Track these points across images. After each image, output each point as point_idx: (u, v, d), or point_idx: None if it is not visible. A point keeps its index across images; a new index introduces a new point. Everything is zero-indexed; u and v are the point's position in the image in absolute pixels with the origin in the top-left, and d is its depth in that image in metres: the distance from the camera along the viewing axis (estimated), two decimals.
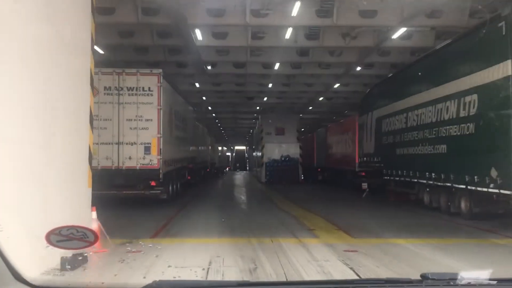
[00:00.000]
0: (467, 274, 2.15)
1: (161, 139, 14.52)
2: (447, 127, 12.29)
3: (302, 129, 37.90)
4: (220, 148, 57.85)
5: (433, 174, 13.19)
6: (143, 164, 14.40)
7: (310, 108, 34.44)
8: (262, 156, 34.83)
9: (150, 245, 8.60)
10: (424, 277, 2.21)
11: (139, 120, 14.42)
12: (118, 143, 14.38)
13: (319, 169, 34.71)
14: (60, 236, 2.45)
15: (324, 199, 21.20)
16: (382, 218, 13.65)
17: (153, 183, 14.58)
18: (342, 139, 25.78)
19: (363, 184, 22.36)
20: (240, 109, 35.19)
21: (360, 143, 21.68)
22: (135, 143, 14.40)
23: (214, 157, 47.78)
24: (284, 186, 30.34)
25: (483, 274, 2.17)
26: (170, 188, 16.80)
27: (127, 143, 14.39)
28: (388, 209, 16.22)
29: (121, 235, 9.19)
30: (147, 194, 14.72)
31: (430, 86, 13.66)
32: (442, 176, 12.59)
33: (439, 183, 12.97)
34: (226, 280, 2.73)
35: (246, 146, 79.51)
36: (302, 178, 33.84)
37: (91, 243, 2.62)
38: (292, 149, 34.55)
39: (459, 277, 2.13)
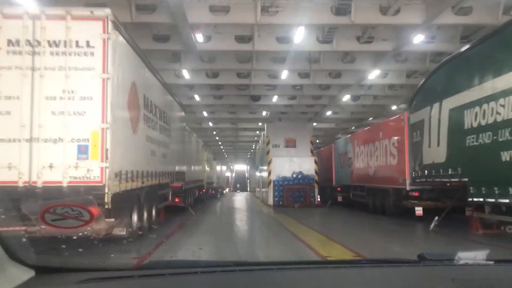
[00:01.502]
0: (464, 255, 2.14)
1: (109, 132, 8.19)
2: None
3: (317, 141, 31.32)
4: (219, 167, 51.37)
5: None
6: (75, 178, 8.05)
7: (329, 113, 28.08)
8: (269, 174, 28.45)
9: None
10: (421, 257, 2.24)
11: (69, 98, 8.15)
12: (30, 140, 8.07)
13: (338, 188, 28.23)
14: (55, 215, 2.38)
15: (374, 234, 14.52)
16: None
17: (94, 211, 8.10)
18: (378, 147, 19.41)
19: (417, 209, 15.96)
20: (242, 115, 28.90)
21: (415, 151, 15.32)
22: (60, 140, 8.10)
23: (212, 175, 41.40)
24: (297, 210, 23.95)
25: (480, 255, 2.17)
26: (134, 217, 10.43)
27: (46, 140, 8.09)
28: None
29: None
30: (82, 231, 8.24)
31: None
32: None
33: None
34: (222, 260, 2.37)
35: (247, 165, 75.38)
36: (319, 199, 27.35)
37: (87, 222, 2.51)
38: (305, 165, 28.23)
39: (456, 257, 2.14)
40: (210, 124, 32.40)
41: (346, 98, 23.16)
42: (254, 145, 47.15)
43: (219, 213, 25.39)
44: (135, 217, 10.53)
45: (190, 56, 15.80)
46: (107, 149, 8.10)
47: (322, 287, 1.90)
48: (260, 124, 32.02)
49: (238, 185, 71.14)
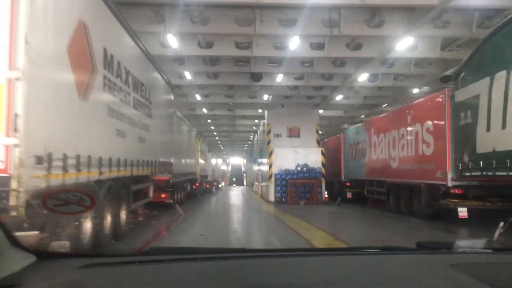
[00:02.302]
0: (462, 243, 2.23)
1: (20, 86, 4.82)
2: None
3: (320, 132, 28.00)
4: (214, 160, 47.97)
5: None
6: None
7: (339, 98, 24.69)
8: (269, 166, 25.16)
9: None
10: (419, 245, 2.25)
11: None
12: None
13: (348, 183, 24.99)
14: (57, 201, 2.39)
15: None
16: None
17: None
18: (405, 134, 16.09)
19: (460, 210, 12.73)
20: (241, 99, 25.46)
21: (462, 136, 12.05)
22: None
23: (206, 168, 38.09)
24: (303, 208, 20.72)
25: (478, 243, 2.23)
26: (84, 225, 7.13)
27: None
28: None
29: None
30: None
31: None
32: None
33: None
34: (222, 247, 2.61)
35: (243, 159, 73.63)
36: (326, 196, 24.07)
37: (88, 208, 2.47)
38: (311, 156, 24.95)
39: (454, 246, 2.16)
40: (204, 110, 28.95)
41: (363, 78, 19.75)
42: (252, 136, 43.80)
43: (213, 212, 22.08)
44: (87, 225, 7.19)
45: (177, 15, 12.38)
46: (16, 115, 4.74)
47: (320, 273, 1.87)
48: (260, 111, 28.63)
49: (234, 179, 68.87)
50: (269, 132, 26.88)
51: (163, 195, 17.69)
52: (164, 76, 14.71)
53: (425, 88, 21.67)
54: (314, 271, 1.91)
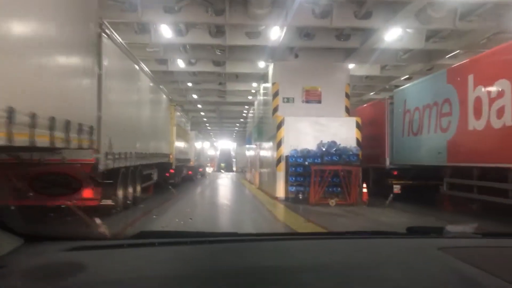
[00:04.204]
0: (452, 227, 2.14)
1: None
2: None
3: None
4: (200, 143, 39.15)
5: None
6: None
7: (391, 38, 15.78)
8: (277, 145, 16.60)
9: None
10: (410, 230, 2.28)
11: None
12: None
13: (395, 172, 16.53)
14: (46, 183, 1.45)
15: None
16: None
17: None
18: None
19: None
20: (235, 39, 16.51)
21: None
22: None
23: (188, 150, 29.50)
24: (339, 214, 12.39)
25: (468, 228, 2.19)
26: None
27: None
28: None
29: None
30: None
31: None
32: None
33: None
34: (211, 232, 2.17)
35: (233, 142, 66.56)
36: (365, 190, 15.49)
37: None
38: (341, 130, 16.51)
39: (444, 230, 2.14)
40: (181, 64, 19.98)
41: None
42: (246, 111, 35.04)
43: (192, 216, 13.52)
44: None
45: None
46: None
47: (311, 256, 1.85)
48: (262, 66, 19.79)
49: (223, 165, 61.71)
50: (275, 95, 18.24)
51: (87, 191, 9.30)
52: None
53: None
54: (305, 254, 1.89)
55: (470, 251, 1.90)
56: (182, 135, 25.43)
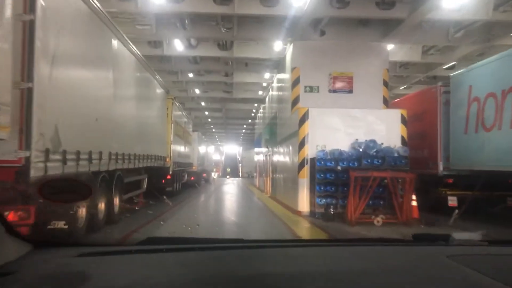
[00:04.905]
0: (459, 235, 2.12)
1: None
2: None
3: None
4: (203, 146, 35.55)
5: None
6: None
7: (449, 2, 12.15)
8: (300, 145, 12.99)
9: None
10: (416, 237, 2.28)
11: None
12: None
13: (449, 180, 12.86)
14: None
15: None
16: None
17: None
18: None
19: None
20: (248, 29, 12.95)
21: None
22: None
23: (190, 154, 26.08)
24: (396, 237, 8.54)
25: (475, 236, 2.27)
26: None
27: None
28: None
29: None
30: None
31: None
32: None
33: None
34: (219, 238, 2.58)
35: (239, 146, 64.29)
36: (415, 204, 11.77)
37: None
38: (382, 125, 12.91)
39: (450, 238, 2.13)
40: (179, 47, 16.32)
41: None
42: (255, 112, 31.42)
43: None
44: None
45: None
46: None
47: (317, 263, 1.83)
48: (277, 48, 16.12)
49: (228, 169, 59.19)
50: (296, 83, 14.66)
51: (10, 214, 5.71)
52: None
53: None
54: (311, 261, 1.87)
55: (479, 259, 1.87)
56: (182, 135, 21.88)
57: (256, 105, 28.75)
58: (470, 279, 1.57)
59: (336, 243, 2.51)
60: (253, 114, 32.92)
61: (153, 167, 14.80)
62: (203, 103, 29.34)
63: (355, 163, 11.71)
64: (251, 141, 46.43)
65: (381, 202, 11.32)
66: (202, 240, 2.21)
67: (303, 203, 12.75)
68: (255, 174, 33.49)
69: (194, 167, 29.04)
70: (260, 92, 24.71)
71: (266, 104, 24.78)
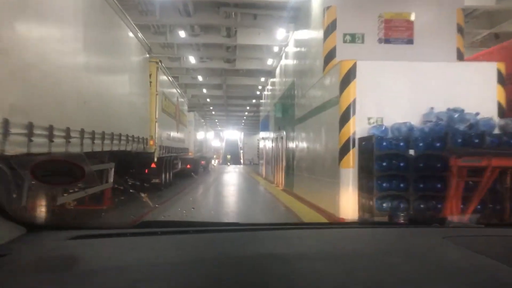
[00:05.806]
0: (455, 218, 2.17)
1: None
2: None
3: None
4: (201, 132, 31.05)
5: None
6: None
7: None
8: (343, 118, 8.52)
9: None
10: (412, 220, 2.44)
11: None
12: None
13: None
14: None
15: None
16: None
17: None
18: None
19: None
20: None
21: None
22: None
23: (185, 138, 21.87)
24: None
25: (471, 218, 2.28)
26: None
27: None
28: None
29: None
30: None
31: None
32: None
33: None
34: (214, 221, 2.58)
35: (240, 132, 60.38)
36: None
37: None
38: (467, 87, 8.44)
39: (447, 221, 2.15)
40: None
41: None
42: (261, 88, 26.83)
43: None
44: None
45: None
46: None
47: (312, 245, 1.82)
48: None
49: (229, 156, 55.62)
50: (330, 29, 10.13)
51: None
52: None
53: None
54: (306, 243, 1.86)
55: (475, 239, 1.88)
56: (174, 114, 17.44)
57: (263, 79, 24.15)
58: (466, 258, 1.58)
59: (332, 225, 2.53)
60: (258, 92, 28.36)
61: (129, 152, 10.49)
62: (200, 77, 24.69)
63: (439, 144, 7.26)
64: (255, 126, 42.08)
65: (491, 206, 6.90)
66: (197, 223, 2.17)
67: (347, 206, 8.34)
68: (261, 161, 29.17)
69: (190, 153, 24.72)
70: (270, 62, 20.13)
71: (277, 79, 20.32)
